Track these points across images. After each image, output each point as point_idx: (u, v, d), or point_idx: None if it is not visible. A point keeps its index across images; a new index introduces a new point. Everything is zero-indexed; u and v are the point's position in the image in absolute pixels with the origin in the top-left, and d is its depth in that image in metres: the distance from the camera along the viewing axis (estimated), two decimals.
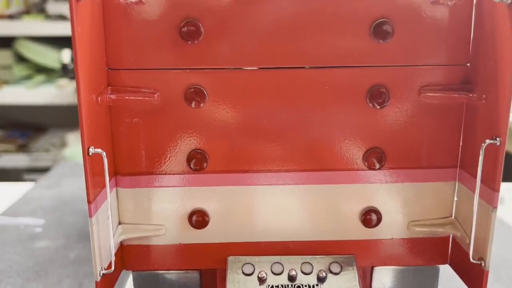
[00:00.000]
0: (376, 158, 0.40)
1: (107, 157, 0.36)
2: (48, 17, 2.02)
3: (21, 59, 2.06)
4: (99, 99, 0.36)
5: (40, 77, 2.06)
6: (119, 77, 0.38)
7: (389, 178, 0.41)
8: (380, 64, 0.39)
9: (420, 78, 0.39)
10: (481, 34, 0.38)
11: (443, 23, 0.38)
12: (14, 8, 2.05)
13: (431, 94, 0.39)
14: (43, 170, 2.10)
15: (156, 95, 0.38)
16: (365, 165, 0.41)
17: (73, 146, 2.05)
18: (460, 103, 0.40)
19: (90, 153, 0.34)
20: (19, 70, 2.06)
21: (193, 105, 0.39)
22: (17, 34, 2.01)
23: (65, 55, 1.94)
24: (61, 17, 2.00)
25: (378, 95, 0.39)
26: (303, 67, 0.39)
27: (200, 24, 0.37)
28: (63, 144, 2.13)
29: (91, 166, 0.35)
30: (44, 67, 2.05)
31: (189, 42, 0.38)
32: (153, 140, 0.40)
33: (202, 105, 0.39)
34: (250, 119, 0.40)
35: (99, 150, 0.35)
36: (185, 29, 0.37)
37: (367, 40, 0.38)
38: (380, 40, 0.38)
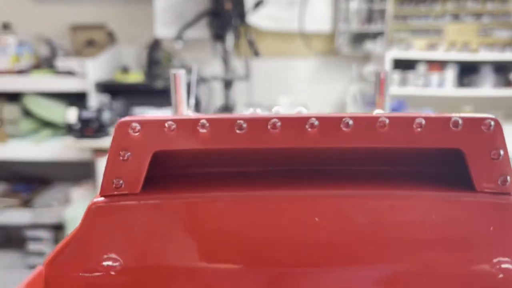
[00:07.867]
0: None
1: None
2: (57, 73, 1.99)
3: (28, 113, 2.03)
4: None
5: (46, 132, 2.03)
6: None
7: None
8: None
9: None
10: None
11: None
12: (23, 63, 2.03)
13: None
14: (46, 227, 2.05)
15: None
16: None
17: (76, 203, 2.00)
18: None
19: None
20: (26, 125, 2.03)
21: None
22: (25, 90, 1.99)
23: (71, 115, 1.90)
24: (70, 73, 1.98)
25: None
26: None
27: None
28: (66, 200, 2.07)
29: None
30: (50, 122, 2.02)
31: None
32: None
33: None
34: None
35: None
36: None
37: None
38: None
